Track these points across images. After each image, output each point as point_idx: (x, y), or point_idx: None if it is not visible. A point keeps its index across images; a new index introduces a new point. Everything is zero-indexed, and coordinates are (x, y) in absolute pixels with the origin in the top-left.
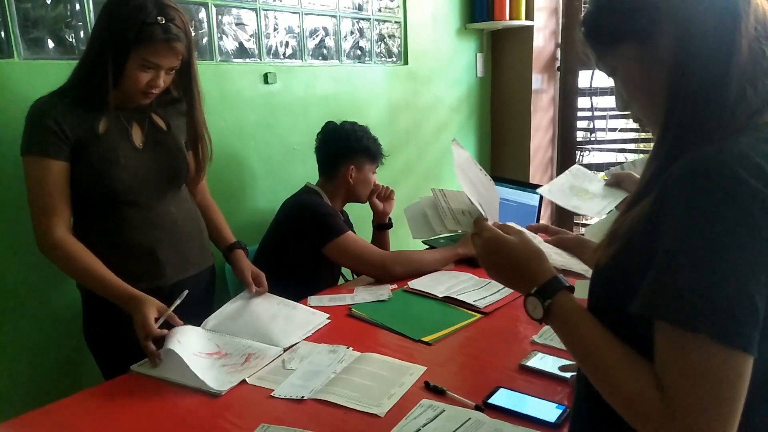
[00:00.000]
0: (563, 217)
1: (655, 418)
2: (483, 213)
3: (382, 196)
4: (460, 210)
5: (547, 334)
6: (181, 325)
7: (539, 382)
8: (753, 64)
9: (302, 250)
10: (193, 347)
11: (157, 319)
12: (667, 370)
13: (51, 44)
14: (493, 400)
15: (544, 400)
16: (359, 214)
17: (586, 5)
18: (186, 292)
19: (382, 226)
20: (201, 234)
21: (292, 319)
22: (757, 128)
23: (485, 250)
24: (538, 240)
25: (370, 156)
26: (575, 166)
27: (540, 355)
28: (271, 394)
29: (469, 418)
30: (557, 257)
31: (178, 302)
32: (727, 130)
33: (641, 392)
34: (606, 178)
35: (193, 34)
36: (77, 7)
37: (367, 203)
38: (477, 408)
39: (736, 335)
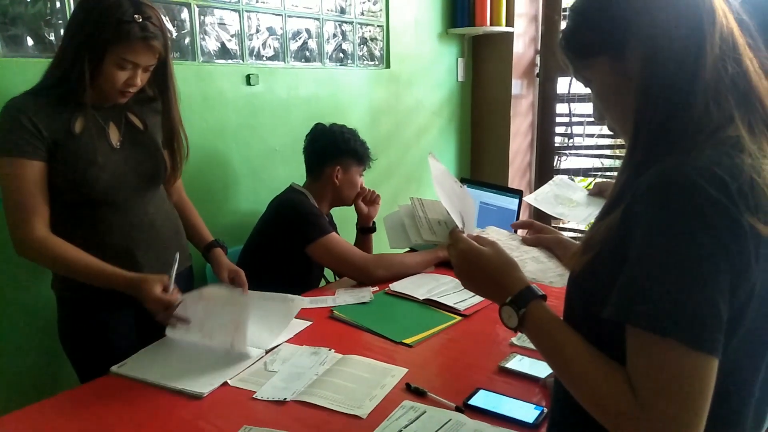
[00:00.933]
0: (541, 221)
1: (628, 418)
2: (458, 224)
3: (367, 200)
4: (436, 220)
5: (525, 337)
6: (181, 301)
7: (518, 384)
8: (717, 81)
9: (286, 249)
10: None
11: (165, 290)
12: (639, 372)
13: (30, 42)
14: (473, 402)
15: (523, 401)
16: (343, 217)
17: (565, 13)
18: (178, 254)
19: (366, 229)
20: (179, 235)
21: (269, 319)
22: (720, 142)
23: (460, 261)
24: (515, 244)
25: (357, 158)
26: (558, 177)
27: (519, 357)
28: (254, 396)
29: (450, 419)
30: (533, 264)
31: (175, 267)
32: (692, 144)
33: (614, 394)
34: (590, 187)
35: (174, 34)
36: (57, 4)
37: (352, 206)
38: (457, 409)
39: (702, 339)
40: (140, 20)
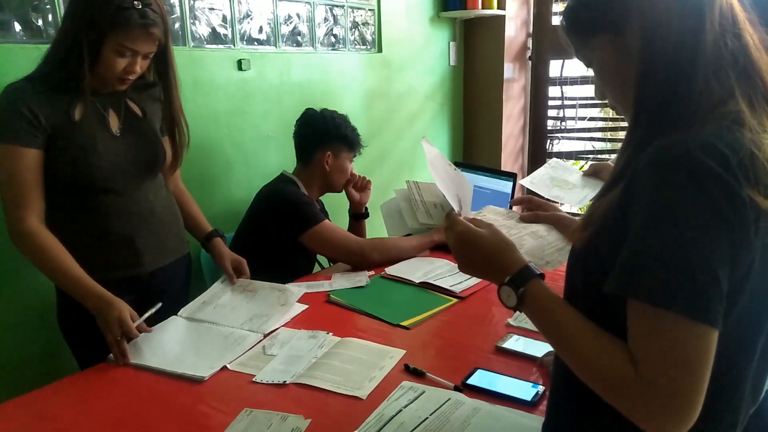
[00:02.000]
0: None
1: (630, 390)
2: (455, 207)
3: (358, 186)
4: (432, 203)
5: (521, 317)
6: (149, 332)
7: (515, 363)
8: (717, 58)
9: (278, 238)
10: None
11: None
12: (640, 344)
13: (18, 27)
14: (471, 381)
15: (520, 379)
16: (335, 203)
17: None
18: (159, 305)
19: (358, 215)
20: (177, 222)
21: (268, 303)
22: (721, 117)
23: (458, 243)
24: (512, 223)
25: (347, 144)
26: (554, 159)
27: (515, 337)
28: (253, 380)
29: (449, 399)
30: (531, 239)
31: (152, 311)
32: (693, 119)
33: (615, 368)
34: (583, 169)
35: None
36: None
37: (344, 193)
38: (456, 389)
39: (703, 311)
40: (140, 7)
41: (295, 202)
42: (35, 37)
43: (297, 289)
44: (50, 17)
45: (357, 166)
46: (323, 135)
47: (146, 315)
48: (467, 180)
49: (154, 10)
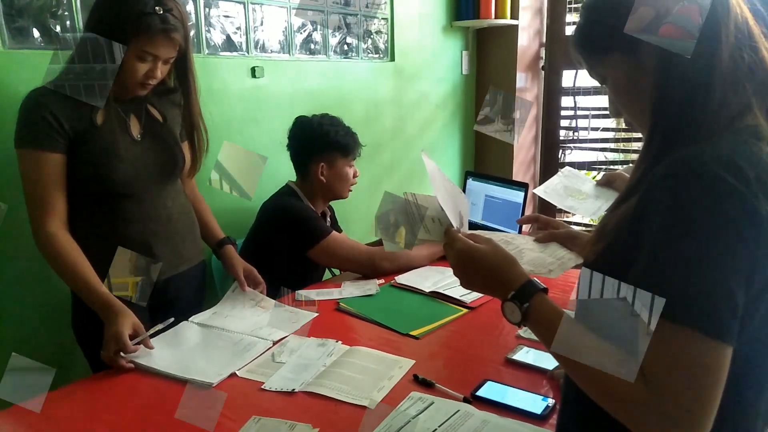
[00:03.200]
0: (546, 213)
1: (639, 406)
2: (455, 223)
3: None
4: (430, 217)
5: None
6: (152, 348)
7: (525, 375)
8: (734, 71)
9: (287, 253)
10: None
11: (132, 337)
12: (651, 359)
13: (36, 34)
14: (480, 393)
15: (530, 392)
16: (346, 210)
17: (570, 5)
18: (171, 320)
19: None
20: (194, 230)
21: (279, 319)
22: (737, 131)
23: (458, 261)
24: (512, 235)
25: (340, 149)
26: (566, 168)
27: (526, 348)
28: (262, 387)
29: (458, 410)
30: (530, 252)
31: (159, 327)
32: (710, 133)
33: (623, 383)
34: (595, 179)
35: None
36: None
37: (355, 198)
38: (465, 400)
39: (717, 327)
40: (161, 12)
41: (299, 218)
42: (53, 43)
43: (310, 314)
44: (68, 23)
45: (367, 175)
46: (312, 146)
47: (153, 329)
48: (464, 195)
49: (174, 16)
